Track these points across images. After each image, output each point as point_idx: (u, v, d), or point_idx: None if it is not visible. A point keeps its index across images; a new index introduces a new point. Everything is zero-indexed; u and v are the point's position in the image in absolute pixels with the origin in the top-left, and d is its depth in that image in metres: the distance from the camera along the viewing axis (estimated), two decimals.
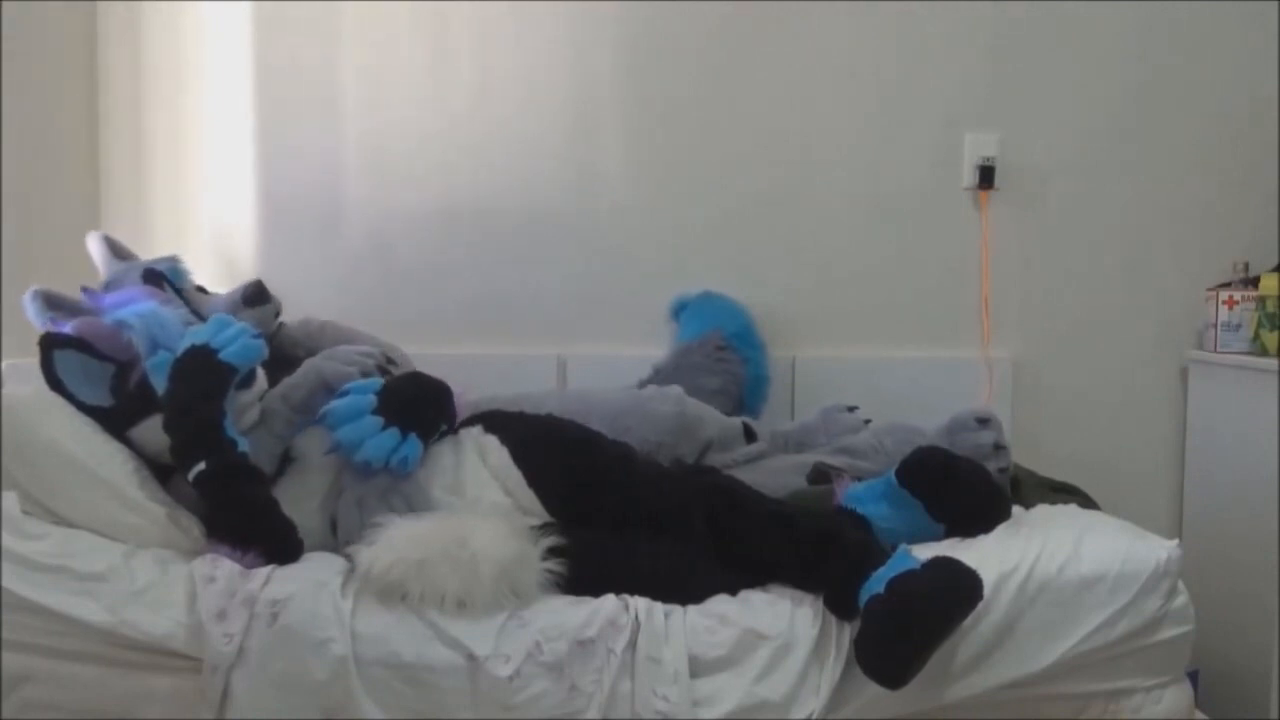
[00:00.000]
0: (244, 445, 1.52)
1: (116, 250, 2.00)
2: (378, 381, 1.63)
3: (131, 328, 1.58)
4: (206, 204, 2.41)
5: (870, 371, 2.32)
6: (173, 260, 2.02)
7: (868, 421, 2.08)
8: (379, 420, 1.55)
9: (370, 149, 2.39)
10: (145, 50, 2.38)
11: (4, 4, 2.03)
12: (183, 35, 2.37)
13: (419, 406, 1.61)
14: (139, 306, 1.64)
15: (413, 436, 1.56)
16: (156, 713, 1.43)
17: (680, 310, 2.31)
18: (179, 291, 1.94)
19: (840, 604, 1.41)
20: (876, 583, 1.35)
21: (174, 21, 2.37)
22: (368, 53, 2.37)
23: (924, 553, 1.44)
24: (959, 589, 1.35)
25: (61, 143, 2.27)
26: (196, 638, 1.40)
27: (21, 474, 1.54)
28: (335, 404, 1.57)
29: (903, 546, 1.43)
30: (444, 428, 1.65)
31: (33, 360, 1.68)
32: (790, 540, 1.47)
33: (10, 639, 1.43)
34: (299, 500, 1.58)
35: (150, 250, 2.39)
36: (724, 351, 2.17)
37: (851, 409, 2.12)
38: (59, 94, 2.26)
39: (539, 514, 1.57)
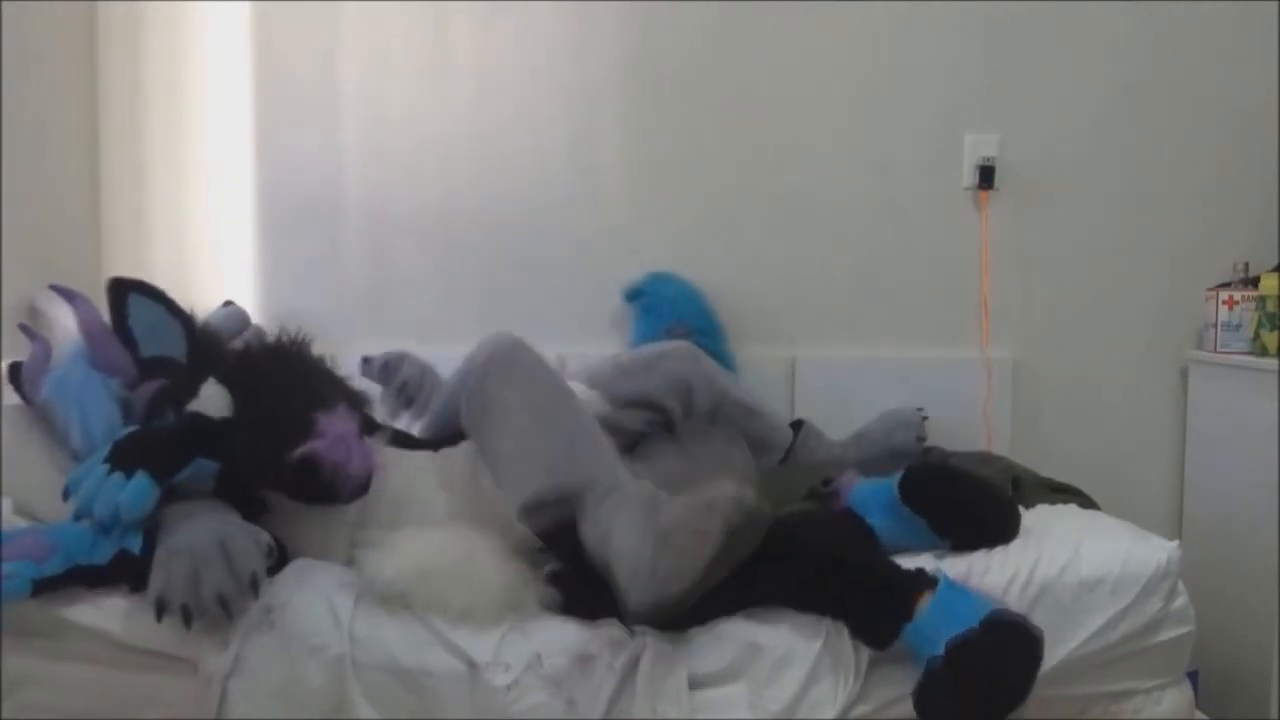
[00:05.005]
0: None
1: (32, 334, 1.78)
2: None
3: (52, 406, 1.53)
4: (206, 204, 2.41)
5: (870, 371, 2.32)
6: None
7: (925, 418, 2.16)
8: (105, 468, 1.40)
9: (370, 149, 2.39)
10: (145, 50, 2.38)
11: (4, 4, 2.02)
12: (183, 35, 2.37)
13: (150, 442, 1.45)
14: (66, 375, 1.56)
15: (139, 476, 1.40)
16: (155, 715, 1.43)
17: (635, 296, 2.29)
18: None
19: (868, 634, 1.39)
20: (931, 632, 1.31)
21: (174, 21, 2.37)
22: (368, 53, 2.37)
23: (926, 559, 1.43)
24: (1023, 657, 1.31)
25: (61, 143, 2.27)
26: (194, 644, 1.40)
27: (14, 483, 1.55)
28: (74, 471, 1.43)
29: (944, 577, 1.38)
30: (201, 461, 1.47)
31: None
32: (814, 584, 1.42)
33: (10, 640, 1.43)
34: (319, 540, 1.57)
35: (149, 251, 2.40)
36: None
37: (920, 411, 2.17)
38: (59, 94, 2.25)
39: (536, 540, 1.52)
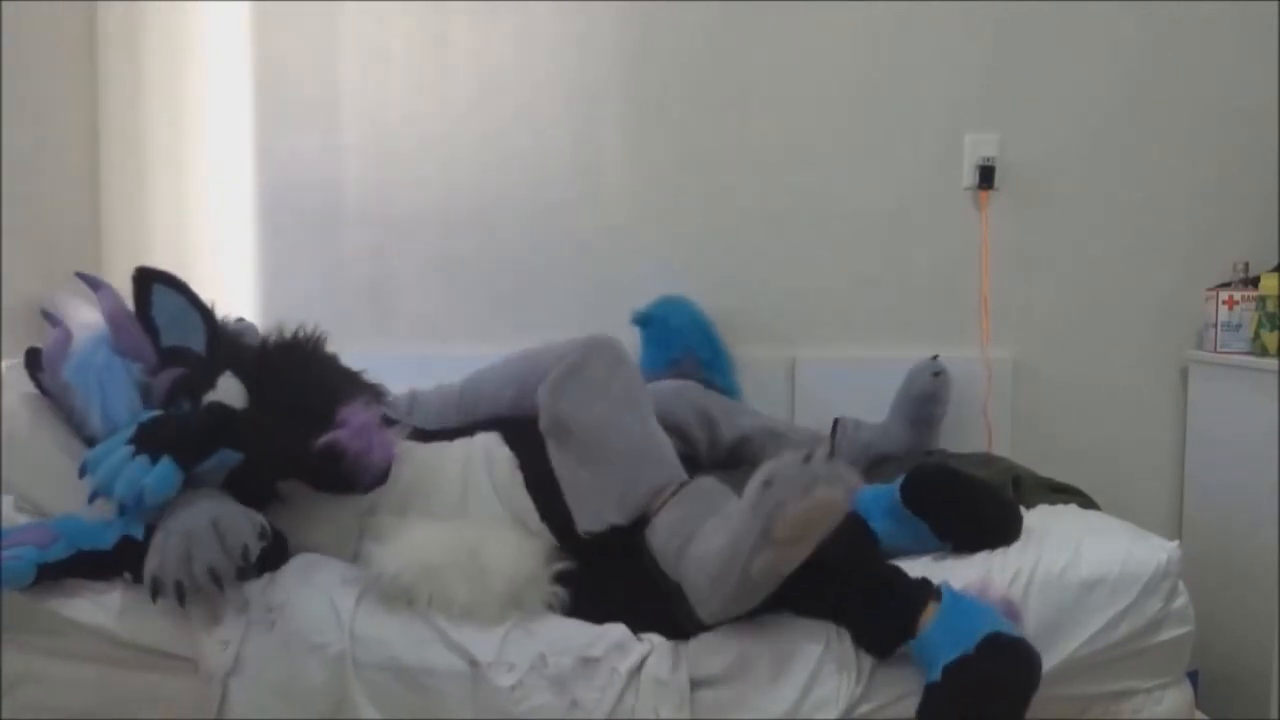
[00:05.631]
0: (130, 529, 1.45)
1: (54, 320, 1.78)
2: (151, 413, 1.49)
3: (73, 390, 1.54)
4: (206, 204, 2.41)
5: (870, 371, 2.31)
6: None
7: (937, 375, 2.17)
8: (128, 450, 1.41)
9: (370, 149, 2.39)
10: (145, 50, 2.38)
11: (4, 4, 2.02)
12: (183, 35, 2.37)
13: (176, 429, 1.46)
14: (89, 359, 1.56)
15: (165, 461, 1.40)
16: (155, 713, 1.43)
17: (645, 323, 2.25)
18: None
19: (870, 643, 1.39)
20: (933, 651, 1.31)
21: (174, 21, 2.37)
22: (368, 53, 2.37)
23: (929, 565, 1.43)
24: (1018, 679, 1.31)
25: (61, 143, 2.27)
26: (194, 642, 1.40)
27: (17, 477, 1.55)
28: (93, 449, 1.44)
29: (948, 589, 1.38)
30: (225, 451, 1.47)
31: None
32: (815, 593, 1.42)
33: (10, 639, 1.43)
34: (289, 532, 1.56)
35: (149, 251, 2.40)
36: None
37: (934, 357, 2.21)
38: (59, 94, 2.25)
39: (548, 539, 1.52)
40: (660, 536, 1.41)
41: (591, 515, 1.47)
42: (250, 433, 1.50)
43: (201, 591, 1.37)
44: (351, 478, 1.51)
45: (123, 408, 1.52)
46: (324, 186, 2.40)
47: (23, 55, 2.08)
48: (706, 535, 1.35)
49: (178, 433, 1.46)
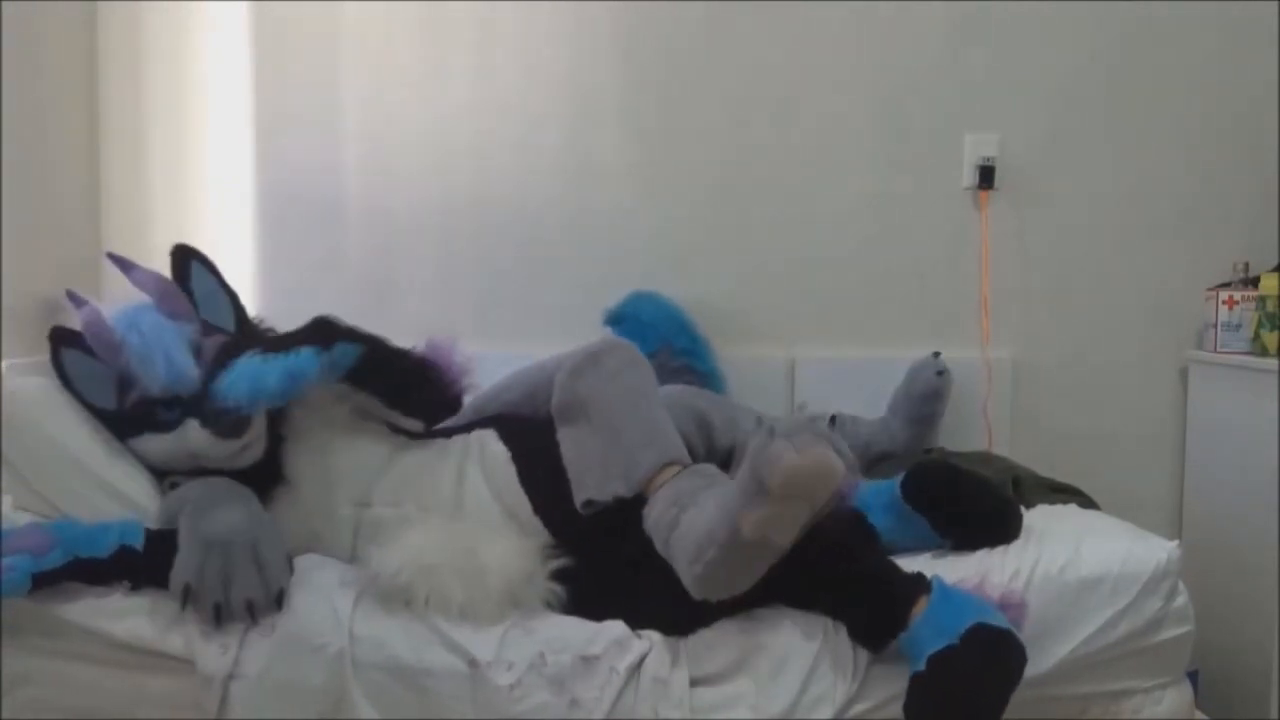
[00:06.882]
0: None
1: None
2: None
3: (130, 346, 1.55)
4: (206, 204, 2.41)
5: (870, 371, 2.31)
6: None
7: (941, 374, 2.17)
8: (259, 359, 1.47)
9: (370, 149, 2.39)
10: (145, 50, 2.37)
11: (4, 4, 2.02)
12: (183, 35, 2.37)
13: (295, 335, 1.54)
14: (137, 319, 1.58)
15: (300, 350, 1.48)
16: (155, 713, 1.43)
17: (616, 322, 2.24)
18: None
19: (865, 638, 1.39)
20: (921, 644, 1.31)
21: (174, 22, 2.37)
22: (368, 53, 2.37)
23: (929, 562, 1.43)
24: (1001, 670, 1.30)
25: (61, 143, 2.27)
26: (193, 644, 1.40)
27: (23, 467, 1.55)
28: (219, 379, 1.48)
29: (938, 582, 1.37)
30: (345, 345, 1.56)
31: (33, 359, 1.69)
32: (812, 586, 1.42)
33: (10, 640, 1.43)
34: (289, 519, 1.56)
35: (149, 250, 2.39)
36: (681, 374, 2.13)
37: (936, 354, 2.22)
38: (59, 94, 2.25)
39: (542, 535, 1.53)
40: (658, 507, 1.42)
41: (595, 485, 1.47)
42: (357, 333, 1.59)
43: (235, 620, 1.39)
44: (436, 392, 1.65)
45: (186, 358, 1.55)
46: (323, 186, 2.40)
47: (23, 55, 2.08)
48: (702, 502, 1.36)
49: (299, 335, 1.53)
